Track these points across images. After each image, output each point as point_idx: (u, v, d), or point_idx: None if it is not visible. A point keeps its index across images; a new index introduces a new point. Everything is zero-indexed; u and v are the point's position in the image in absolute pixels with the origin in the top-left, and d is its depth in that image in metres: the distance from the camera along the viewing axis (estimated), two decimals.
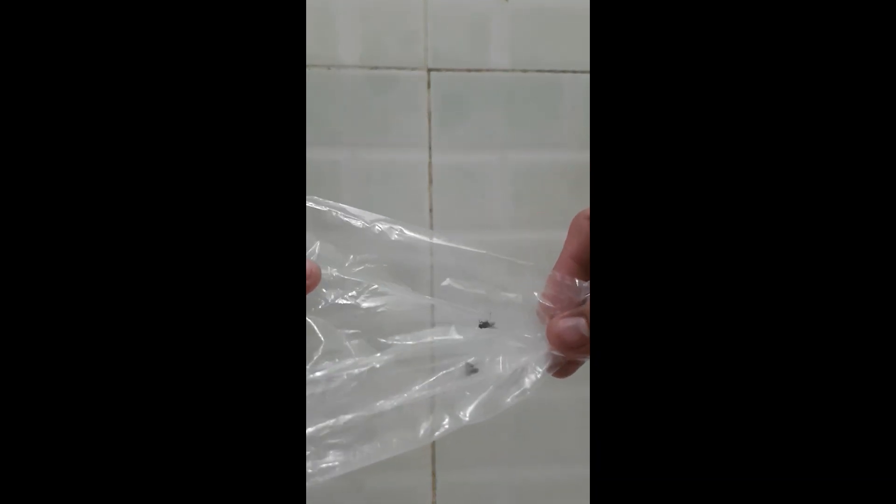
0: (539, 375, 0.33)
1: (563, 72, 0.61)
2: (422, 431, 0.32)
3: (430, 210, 0.61)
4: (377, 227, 0.34)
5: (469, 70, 0.61)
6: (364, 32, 0.60)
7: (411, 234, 0.34)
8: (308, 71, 0.58)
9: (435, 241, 0.35)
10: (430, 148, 0.61)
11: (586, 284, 0.33)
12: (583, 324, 0.32)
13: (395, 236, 0.34)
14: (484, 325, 0.34)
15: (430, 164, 0.61)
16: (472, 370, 0.34)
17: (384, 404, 0.32)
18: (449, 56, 0.61)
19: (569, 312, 0.33)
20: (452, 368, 0.33)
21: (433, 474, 0.62)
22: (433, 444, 0.62)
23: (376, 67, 0.60)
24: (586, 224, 0.33)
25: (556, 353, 0.33)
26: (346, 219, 0.34)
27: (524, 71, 0.61)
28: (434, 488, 0.62)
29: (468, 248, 0.35)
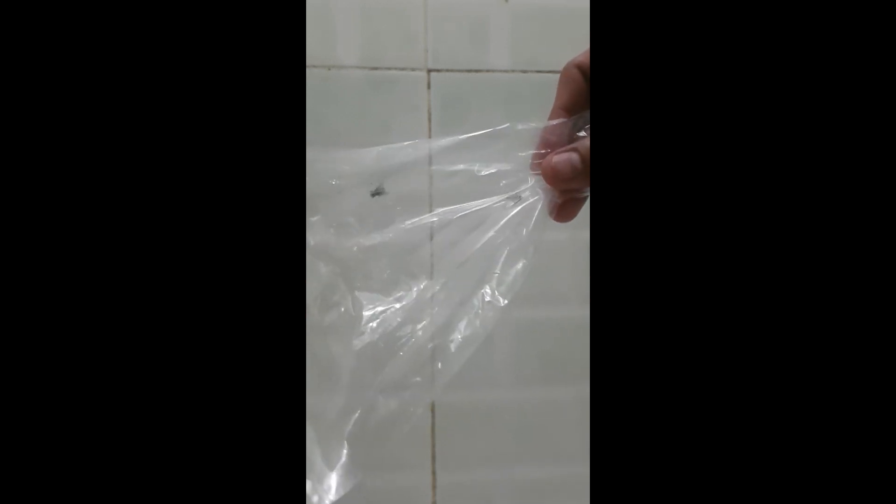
0: (538, 220, 0.34)
1: None
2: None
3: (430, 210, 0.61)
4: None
5: (469, 70, 0.61)
6: (364, 33, 0.60)
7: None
8: (308, 71, 0.58)
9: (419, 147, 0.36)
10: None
11: (577, 117, 0.34)
12: (575, 157, 0.33)
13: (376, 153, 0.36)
14: (376, 193, 0.36)
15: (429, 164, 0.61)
16: (516, 198, 0.35)
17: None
18: (449, 56, 0.61)
19: (562, 149, 0.34)
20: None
21: (433, 474, 0.62)
22: (433, 444, 0.62)
23: (376, 68, 0.60)
24: (576, 73, 0.35)
25: (551, 190, 0.34)
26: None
27: (524, 71, 0.61)
28: (434, 488, 0.62)
29: (453, 138, 0.36)
